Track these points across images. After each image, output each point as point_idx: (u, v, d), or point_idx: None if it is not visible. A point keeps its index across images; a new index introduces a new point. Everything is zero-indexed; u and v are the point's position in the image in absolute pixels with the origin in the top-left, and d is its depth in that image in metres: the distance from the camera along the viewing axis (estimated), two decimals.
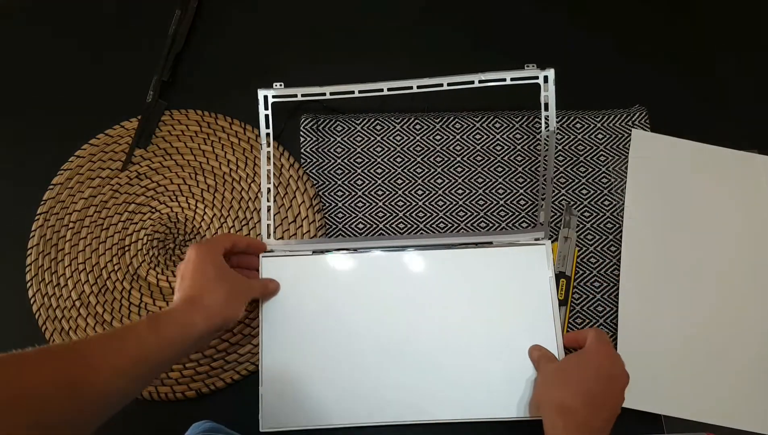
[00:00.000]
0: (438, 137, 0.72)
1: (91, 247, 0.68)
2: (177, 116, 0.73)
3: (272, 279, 0.63)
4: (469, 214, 0.69)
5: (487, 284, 0.63)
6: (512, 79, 0.65)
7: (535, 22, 0.79)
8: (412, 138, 0.72)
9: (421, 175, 0.71)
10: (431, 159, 0.72)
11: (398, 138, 0.72)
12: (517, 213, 0.69)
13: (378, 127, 0.73)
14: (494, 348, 0.61)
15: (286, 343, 0.61)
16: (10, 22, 0.80)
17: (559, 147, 0.72)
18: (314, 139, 0.72)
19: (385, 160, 0.72)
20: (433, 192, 0.70)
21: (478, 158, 0.72)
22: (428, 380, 0.60)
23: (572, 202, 0.69)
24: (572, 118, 0.73)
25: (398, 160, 0.72)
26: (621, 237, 0.68)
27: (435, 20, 0.79)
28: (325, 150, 0.72)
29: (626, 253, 0.67)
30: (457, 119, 0.73)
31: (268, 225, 0.66)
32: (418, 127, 0.73)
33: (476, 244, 0.65)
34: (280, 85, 0.66)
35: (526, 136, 0.72)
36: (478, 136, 0.72)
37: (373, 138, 0.72)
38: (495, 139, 0.72)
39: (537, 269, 0.63)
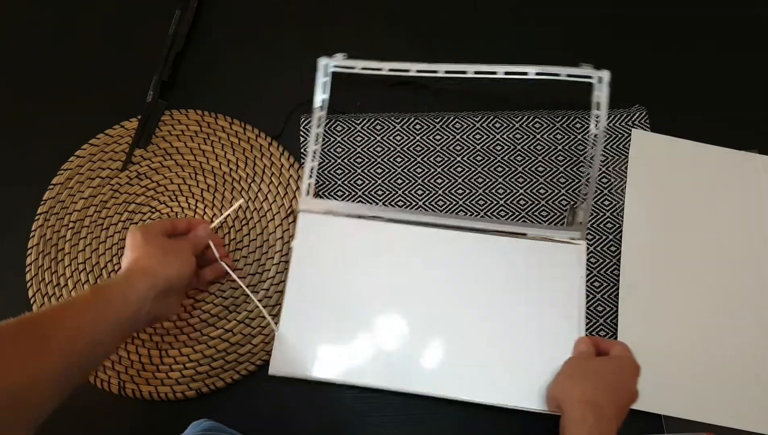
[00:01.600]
0: (438, 137, 0.72)
1: (91, 247, 0.68)
2: (177, 116, 0.73)
3: (201, 227, 0.61)
4: (470, 213, 0.69)
5: (516, 275, 0.63)
6: (568, 75, 0.66)
7: (533, 22, 0.79)
8: (412, 138, 0.72)
9: (421, 175, 0.71)
10: (431, 159, 0.72)
11: (398, 138, 0.72)
12: (517, 213, 0.69)
13: (378, 127, 0.73)
14: (515, 339, 0.61)
15: (310, 296, 0.63)
16: (9, 22, 0.80)
17: (559, 147, 0.72)
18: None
19: (385, 160, 0.72)
20: (433, 192, 0.70)
21: (478, 158, 0.72)
22: (444, 357, 0.61)
23: (574, 202, 0.69)
24: (572, 118, 0.73)
25: (398, 160, 0.72)
26: (621, 237, 0.68)
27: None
28: (325, 150, 0.72)
29: (626, 253, 0.67)
30: (457, 119, 0.73)
31: (309, 184, 0.68)
32: (418, 127, 0.73)
33: (510, 234, 0.65)
34: (343, 55, 0.69)
35: (526, 136, 0.72)
36: (478, 136, 0.72)
37: (373, 138, 0.72)
38: (495, 139, 0.72)
39: (569, 268, 0.63)
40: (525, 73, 0.66)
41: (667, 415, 0.61)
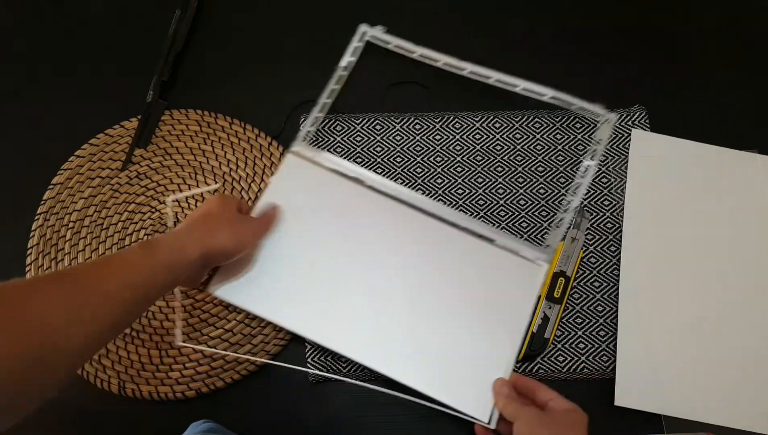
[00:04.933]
0: (438, 137, 0.72)
1: (91, 247, 0.68)
2: (177, 116, 0.73)
3: (272, 208, 0.64)
4: (470, 213, 0.69)
5: (474, 277, 0.63)
6: (578, 108, 0.70)
7: (532, 21, 0.79)
8: (412, 138, 0.72)
9: (421, 175, 0.71)
10: (431, 159, 0.72)
11: (398, 138, 0.72)
12: (516, 213, 0.69)
13: (378, 127, 0.73)
14: (453, 335, 0.61)
15: (277, 237, 0.63)
16: (10, 22, 0.80)
17: (559, 147, 0.72)
18: (314, 139, 0.72)
19: (385, 160, 0.72)
20: (433, 192, 0.70)
21: (478, 158, 0.72)
22: (377, 330, 0.61)
23: (587, 208, 0.69)
24: (572, 118, 0.73)
25: (398, 160, 0.72)
26: (621, 237, 0.68)
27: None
28: (325, 150, 0.72)
29: (626, 253, 0.67)
30: (457, 119, 0.73)
31: (309, 131, 0.70)
32: (417, 127, 0.73)
33: (480, 236, 0.65)
34: (384, 28, 0.73)
35: (526, 136, 0.72)
36: (478, 136, 0.72)
37: (372, 138, 0.72)
38: (495, 139, 0.72)
39: (524, 286, 0.63)
40: (543, 95, 0.69)
41: (667, 415, 0.61)
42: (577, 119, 0.73)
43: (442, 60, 0.71)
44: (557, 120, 0.73)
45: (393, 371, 0.59)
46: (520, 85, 0.69)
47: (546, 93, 0.69)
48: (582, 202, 0.69)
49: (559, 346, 0.64)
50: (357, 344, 0.60)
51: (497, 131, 0.72)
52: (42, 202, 0.69)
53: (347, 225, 0.65)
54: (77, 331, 0.40)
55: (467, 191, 0.70)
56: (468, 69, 0.70)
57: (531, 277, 0.63)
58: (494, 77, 0.70)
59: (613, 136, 0.72)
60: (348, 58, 0.73)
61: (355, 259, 0.63)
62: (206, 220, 0.54)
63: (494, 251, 0.64)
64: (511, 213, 0.69)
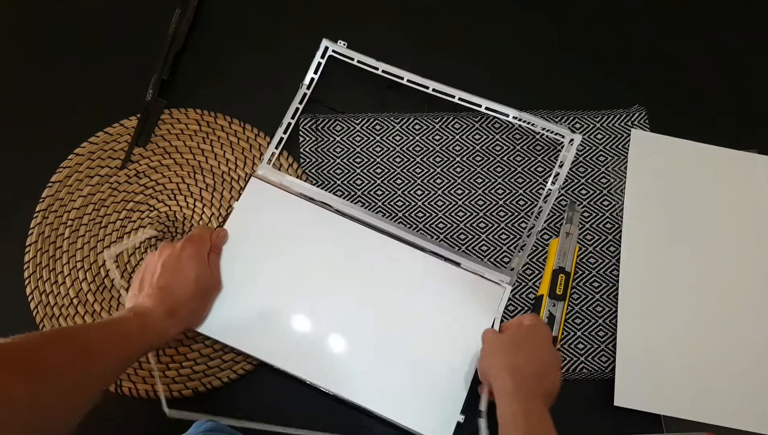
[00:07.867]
0: (438, 137, 0.72)
1: (90, 245, 0.68)
2: (176, 115, 0.73)
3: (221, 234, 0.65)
4: (469, 214, 0.69)
5: (439, 298, 0.64)
6: (543, 129, 0.69)
7: (538, 17, 0.80)
8: (411, 138, 0.72)
9: (420, 175, 0.71)
10: (431, 159, 0.71)
11: (398, 138, 0.72)
12: (516, 213, 0.69)
13: (377, 127, 0.73)
14: (417, 357, 0.61)
15: (233, 259, 0.63)
16: (9, 20, 0.80)
17: (558, 147, 0.72)
18: (313, 138, 0.72)
19: (385, 160, 0.71)
20: (433, 192, 0.70)
21: (478, 158, 0.71)
22: (340, 355, 0.61)
23: (575, 200, 0.69)
24: (572, 118, 0.73)
25: (398, 160, 0.71)
26: (620, 237, 0.67)
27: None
28: (325, 150, 0.72)
29: (626, 253, 0.66)
30: (456, 119, 0.73)
31: (274, 153, 0.69)
32: (417, 127, 0.73)
33: (446, 259, 0.65)
34: (344, 44, 0.72)
35: (525, 136, 0.72)
36: (477, 136, 0.72)
37: (372, 138, 0.72)
38: (495, 139, 0.72)
39: (488, 306, 0.64)
40: (507, 115, 0.69)
41: (667, 415, 0.61)
42: (576, 119, 0.73)
43: (406, 77, 0.70)
44: (557, 120, 0.72)
45: (357, 396, 0.60)
46: (483, 105, 0.69)
47: (509, 113, 0.69)
48: (579, 202, 0.69)
49: (558, 346, 0.64)
50: (320, 369, 0.60)
51: (497, 131, 0.72)
52: (41, 200, 0.69)
53: (313, 250, 0.65)
54: (85, 387, 0.46)
55: (467, 191, 0.70)
56: (431, 87, 0.70)
57: (494, 298, 0.64)
58: (457, 96, 0.70)
59: (613, 136, 0.72)
60: (311, 75, 0.72)
61: (322, 284, 0.64)
62: (190, 301, 0.57)
63: (459, 274, 0.65)
64: (510, 213, 0.69)
